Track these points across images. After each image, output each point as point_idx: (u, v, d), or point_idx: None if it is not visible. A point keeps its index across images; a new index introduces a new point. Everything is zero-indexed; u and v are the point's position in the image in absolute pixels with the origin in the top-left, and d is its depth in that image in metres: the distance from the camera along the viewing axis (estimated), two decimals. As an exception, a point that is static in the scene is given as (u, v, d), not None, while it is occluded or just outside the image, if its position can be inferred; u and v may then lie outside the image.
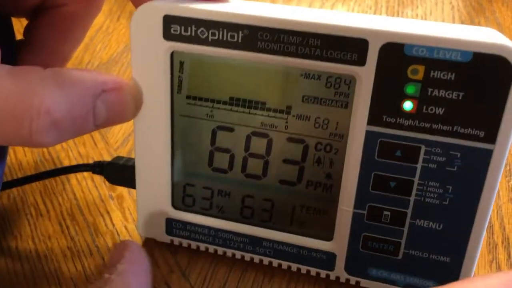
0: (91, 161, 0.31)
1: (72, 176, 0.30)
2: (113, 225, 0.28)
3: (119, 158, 0.27)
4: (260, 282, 0.25)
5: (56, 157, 0.31)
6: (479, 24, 0.37)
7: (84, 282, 0.25)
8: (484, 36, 0.20)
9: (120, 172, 0.26)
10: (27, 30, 0.26)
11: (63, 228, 0.28)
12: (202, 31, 0.21)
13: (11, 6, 0.25)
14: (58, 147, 0.32)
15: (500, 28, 0.37)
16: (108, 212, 0.28)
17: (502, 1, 0.39)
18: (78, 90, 0.20)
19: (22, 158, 0.31)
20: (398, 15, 0.40)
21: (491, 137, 0.20)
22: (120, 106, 0.22)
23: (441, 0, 0.41)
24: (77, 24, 0.26)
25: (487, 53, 0.19)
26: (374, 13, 0.40)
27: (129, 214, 0.28)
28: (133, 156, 0.27)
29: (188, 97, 0.23)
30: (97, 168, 0.27)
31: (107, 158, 0.31)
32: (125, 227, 0.27)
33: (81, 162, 0.31)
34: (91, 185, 0.30)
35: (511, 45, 0.19)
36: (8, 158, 0.29)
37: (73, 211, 0.28)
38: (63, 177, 0.30)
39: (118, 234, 0.27)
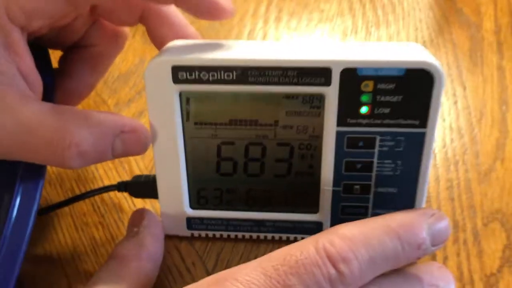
0: (112, 170, 0.37)
1: (99, 167, 0.37)
2: (135, 206, 0.35)
3: (138, 176, 0.33)
4: (262, 251, 0.32)
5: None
6: (437, 44, 0.46)
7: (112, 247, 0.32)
8: (413, 53, 0.28)
9: (142, 187, 0.33)
10: (62, 61, 0.32)
11: (95, 208, 0.35)
12: (203, 74, 0.28)
13: (54, 41, 0.30)
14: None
15: (454, 46, 0.45)
16: (131, 198, 0.35)
17: (459, 24, 0.48)
18: (101, 130, 0.27)
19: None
20: (373, 34, 0.48)
21: (423, 124, 0.28)
22: (134, 144, 0.29)
23: (407, 23, 0.49)
24: (104, 61, 0.33)
25: (415, 68, 0.27)
26: (353, 32, 0.48)
27: (148, 201, 0.35)
28: (143, 173, 0.33)
29: (195, 123, 0.30)
30: (122, 187, 0.33)
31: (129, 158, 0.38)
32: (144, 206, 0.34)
33: (102, 169, 0.38)
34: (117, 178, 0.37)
35: (430, 60, 0.27)
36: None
37: (102, 196, 0.35)
38: (92, 167, 0.37)
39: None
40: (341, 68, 0.27)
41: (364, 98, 0.28)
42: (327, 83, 0.28)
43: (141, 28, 0.48)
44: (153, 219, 0.31)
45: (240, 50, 0.29)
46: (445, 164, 0.37)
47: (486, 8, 0.50)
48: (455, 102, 0.41)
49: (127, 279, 0.27)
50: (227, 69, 0.28)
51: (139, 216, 0.31)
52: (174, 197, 0.32)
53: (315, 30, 0.49)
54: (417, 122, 0.28)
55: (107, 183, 0.36)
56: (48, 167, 0.37)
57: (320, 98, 0.28)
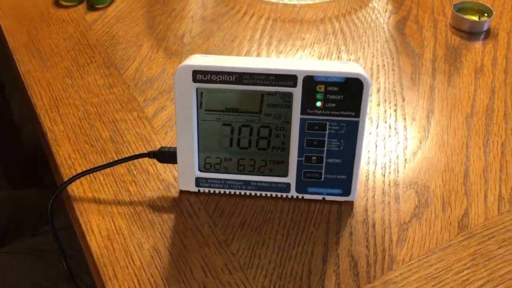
0: (141, 147, 0.51)
1: (132, 143, 0.51)
2: (158, 170, 0.48)
3: (163, 147, 0.47)
4: (249, 204, 0.46)
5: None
6: (388, 67, 0.61)
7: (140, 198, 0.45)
8: (352, 68, 0.42)
9: (166, 155, 0.47)
10: None
11: (129, 170, 0.48)
12: (213, 76, 0.42)
13: None
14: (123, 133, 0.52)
15: (400, 70, 0.60)
16: (155, 164, 0.49)
17: (406, 53, 0.63)
18: None
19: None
20: (341, 58, 0.63)
21: (357, 115, 0.42)
22: None
23: (368, 51, 0.64)
24: None
25: (351, 77, 0.41)
26: (327, 56, 0.63)
27: (167, 166, 0.48)
28: (166, 145, 0.47)
29: (205, 110, 0.44)
30: (151, 154, 0.47)
31: (153, 137, 0.52)
32: (164, 171, 0.48)
33: (134, 146, 0.51)
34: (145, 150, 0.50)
35: (362, 73, 0.41)
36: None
37: (134, 162, 0.49)
38: (126, 143, 0.51)
39: (160, 174, 0.47)
40: (304, 76, 0.42)
41: (318, 96, 0.42)
42: (295, 85, 0.42)
43: (162, 45, 0.63)
44: None
45: (238, 61, 0.43)
46: (383, 152, 0.51)
47: (428, 42, 0.65)
48: (395, 110, 0.56)
49: None
50: (229, 73, 0.42)
51: None
52: (188, 163, 0.45)
53: (297, 54, 0.64)
54: (353, 113, 0.42)
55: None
56: (94, 143, 0.51)
57: (290, 95, 0.43)
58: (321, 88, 0.42)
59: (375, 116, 0.55)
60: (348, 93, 0.42)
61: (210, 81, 0.42)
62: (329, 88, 0.42)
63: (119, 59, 0.62)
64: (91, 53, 0.63)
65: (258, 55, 0.64)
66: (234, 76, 0.42)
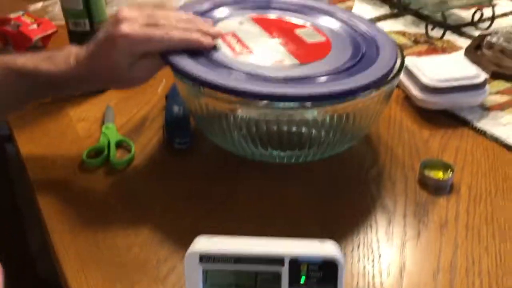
0: None
1: None
2: None
3: None
4: None
5: None
6: (366, 223, 0.71)
7: None
8: (328, 249, 0.52)
9: None
10: None
11: None
12: (216, 259, 0.52)
13: None
14: None
15: (377, 226, 0.71)
16: None
17: (381, 209, 0.74)
18: None
19: None
20: None
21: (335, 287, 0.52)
22: None
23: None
24: None
25: (328, 259, 0.51)
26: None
27: None
28: None
29: (211, 285, 0.54)
30: None
31: None
32: None
33: None
34: None
35: (337, 255, 0.51)
36: None
37: None
38: None
39: None
40: (289, 258, 0.51)
41: (302, 273, 0.52)
42: (282, 265, 0.52)
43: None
44: None
45: (237, 244, 0.53)
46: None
47: (400, 198, 0.75)
48: (373, 266, 0.65)
49: None
50: (229, 258, 0.52)
51: None
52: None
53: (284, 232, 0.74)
54: (332, 287, 0.52)
55: None
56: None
57: (279, 274, 0.52)
58: (304, 267, 0.52)
59: (355, 271, 0.64)
60: (326, 271, 0.51)
61: (213, 262, 0.52)
62: (311, 267, 0.52)
63: (135, 220, 0.73)
64: (112, 216, 0.74)
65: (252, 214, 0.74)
66: (233, 259, 0.52)
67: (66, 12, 0.91)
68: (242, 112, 0.74)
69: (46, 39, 1.14)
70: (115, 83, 0.76)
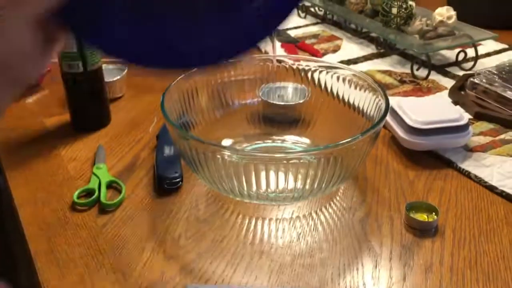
0: None
1: None
2: None
3: None
4: None
5: None
6: (352, 266, 0.72)
7: None
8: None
9: None
10: None
11: None
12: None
13: None
14: None
15: (364, 269, 0.72)
16: None
17: (367, 252, 0.75)
18: None
19: None
20: (313, 256, 0.74)
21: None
22: None
23: (334, 252, 0.75)
24: None
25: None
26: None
27: None
28: None
29: (198, 333, 0.54)
30: None
31: None
32: None
33: None
34: None
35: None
36: None
37: None
38: None
39: None
40: (276, 307, 0.52)
41: (289, 322, 0.53)
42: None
43: (162, 247, 0.74)
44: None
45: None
46: None
47: (386, 240, 0.77)
48: (359, 310, 0.66)
49: None
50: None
51: None
52: None
53: (276, 252, 0.75)
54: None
55: None
56: None
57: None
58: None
59: (342, 316, 0.65)
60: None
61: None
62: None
63: (124, 263, 0.73)
64: (101, 258, 0.75)
65: (241, 258, 0.75)
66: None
67: (61, 54, 0.93)
68: (228, 156, 0.76)
69: (40, 77, 1.16)
70: None
